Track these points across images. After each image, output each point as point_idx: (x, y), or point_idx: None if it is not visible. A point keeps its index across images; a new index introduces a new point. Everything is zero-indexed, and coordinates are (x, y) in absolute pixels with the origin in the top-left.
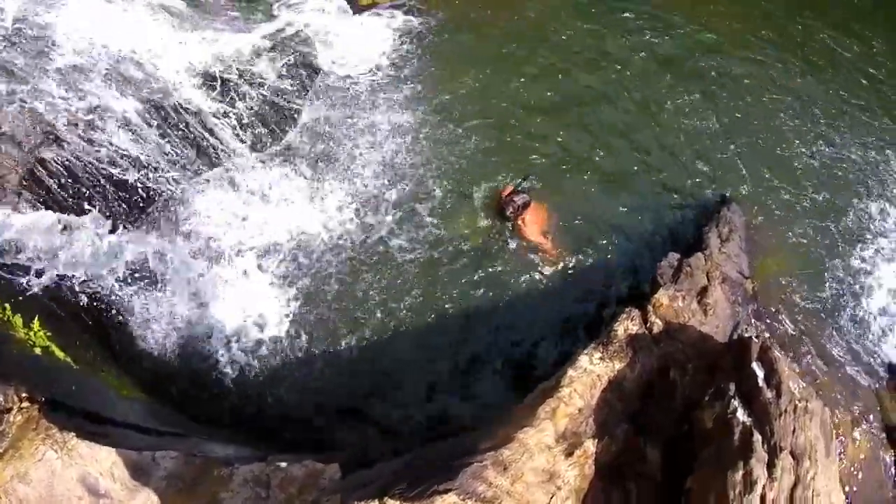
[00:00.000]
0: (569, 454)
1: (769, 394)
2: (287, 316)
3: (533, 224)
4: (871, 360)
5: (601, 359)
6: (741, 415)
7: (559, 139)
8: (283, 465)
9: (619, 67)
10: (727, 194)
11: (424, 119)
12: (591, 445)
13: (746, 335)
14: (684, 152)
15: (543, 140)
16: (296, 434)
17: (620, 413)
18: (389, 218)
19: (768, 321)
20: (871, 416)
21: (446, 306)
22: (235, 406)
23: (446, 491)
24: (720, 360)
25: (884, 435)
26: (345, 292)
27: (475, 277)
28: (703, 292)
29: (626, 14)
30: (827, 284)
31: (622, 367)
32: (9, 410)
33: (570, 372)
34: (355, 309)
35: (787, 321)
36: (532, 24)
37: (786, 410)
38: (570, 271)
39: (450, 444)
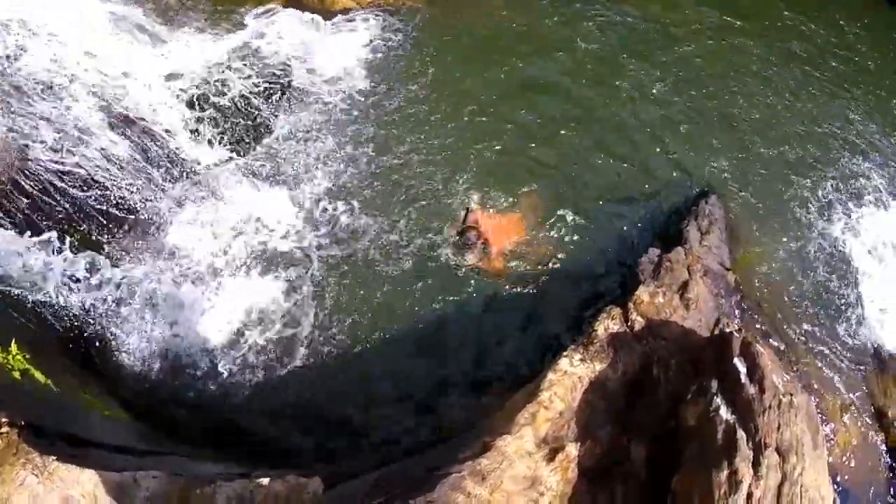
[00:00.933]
0: (550, 459)
1: (752, 389)
2: (265, 329)
3: (499, 248)
4: (856, 345)
5: (582, 360)
6: (724, 412)
7: (532, 141)
8: (265, 481)
9: (590, 60)
10: (706, 188)
11: (398, 124)
12: (573, 449)
13: (727, 329)
14: (659, 145)
15: (516, 140)
16: (277, 449)
17: (604, 414)
18: (364, 228)
19: (751, 312)
20: (860, 402)
21: (424, 313)
22: (217, 423)
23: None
24: (702, 356)
25: (874, 419)
26: (323, 305)
27: (453, 284)
28: (684, 287)
29: (596, 6)
30: (809, 273)
31: (604, 368)
32: None
33: (550, 375)
34: (333, 321)
35: (771, 310)
36: (503, 22)
37: (770, 406)
38: (549, 272)
39: (430, 455)
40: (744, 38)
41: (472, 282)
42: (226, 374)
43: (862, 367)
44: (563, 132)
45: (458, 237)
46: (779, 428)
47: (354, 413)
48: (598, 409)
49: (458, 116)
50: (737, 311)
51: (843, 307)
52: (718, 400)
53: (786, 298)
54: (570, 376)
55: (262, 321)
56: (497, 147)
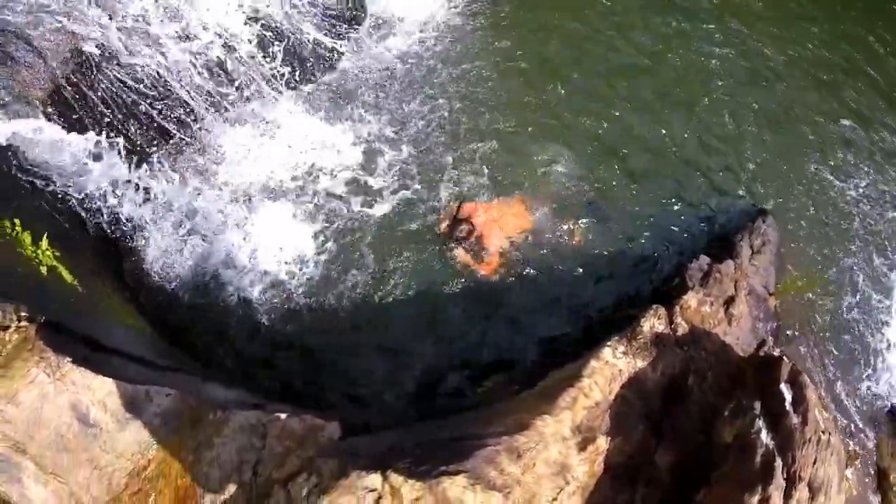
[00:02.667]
0: (582, 448)
1: (795, 419)
2: (299, 262)
3: (495, 246)
4: (875, 397)
5: (624, 353)
6: (765, 436)
7: (598, 128)
8: (283, 416)
9: (672, 64)
10: (764, 206)
11: (463, 87)
12: (604, 442)
13: (776, 353)
14: (724, 155)
15: (580, 124)
16: (292, 386)
17: (638, 412)
18: (406, 184)
19: (783, 341)
20: (866, 456)
21: (452, 283)
22: (237, 348)
23: (457, 472)
24: (741, 375)
25: (874, 478)
26: (351, 253)
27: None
28: (729, 301)
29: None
30: (849, 314)
31: (644, 366)
32: (5, 328)
33: (593, 363)
34: (363, 271)
35: (803, 345)
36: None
37: (809, 440)
38: (593, 261)
39: (452, 423)
40: (839, 72)
41: (516, 255)
42: (251, 303)
43: (876, 422)
44: (628, 119)
45: (447, 231)
46: (814, 463)
47: (371, 366)
48: (633, 407)
49: (523, 87)
50: (770, 338)
51: (871, 356)
52: (760, 423)
53: (818, 335)
54: (612, 367)
55: (293, 256)
56: (557, 125)
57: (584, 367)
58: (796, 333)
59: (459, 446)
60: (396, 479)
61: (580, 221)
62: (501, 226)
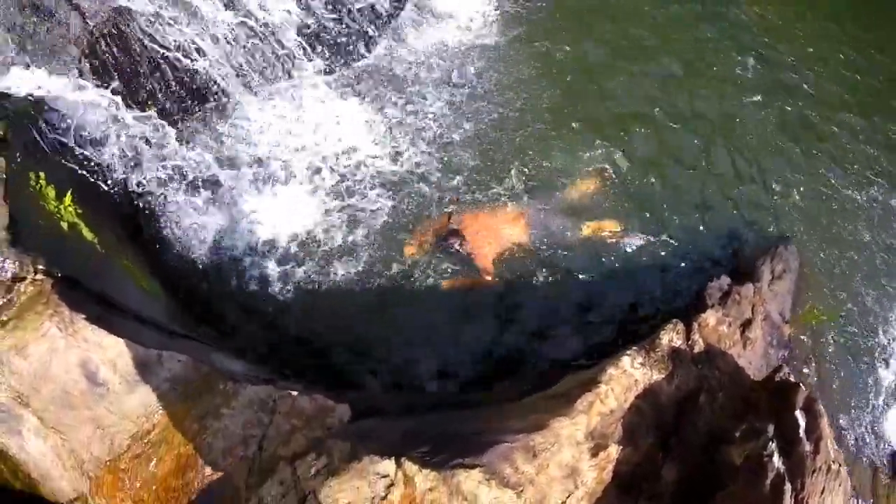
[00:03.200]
0: (594, 455)
1: (808, 447)
2: (321, 238)
3: (483, 246)
4: (879, 443)
5: (642, 364)
6: (777, 461)
7: (629, 137)
8: (293, 394)
9: (710, 76)
10: (787, 231)
11: (508, 80)
12: (614, 450)
13: (791, 379)
14: (753, 174)
15: (611, 132)
16: (305, 362)
17: (649, 424)
18: (432, 172)
19: (793, 370)
20: (864, 493)
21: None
22: (250, 319)
23: (473, 466)
24: (752, 398)
25: None
26: (385, 231)
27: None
28: (746, 324)
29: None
30: (861, 352)
31: (660, 379)
32: (21, 280)
33: (611, 370)
34: (381, 255)
35: (811, 376)
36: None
37: (820, 468)
38: (607, 271)
39: (467, 416)
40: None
41: (540, 253)
42: (266, 276)
43: (876, 466)
44: (660, 130)
45: (436, 242)
46: (822, 492)
47: (387, 351)
48: (645, 418)
49: (557, 92)
50: (781, 361)
51: (880, 394)
52: (773, 446)
53: (828, 367)
54: (629, 376)
55: (308, 234)
56: (581, 130)
57: (602, 374)
58: (806, 363)
59: (476, 440)
60: (411, 467)
61: (599, 230)
62: (494, 238)
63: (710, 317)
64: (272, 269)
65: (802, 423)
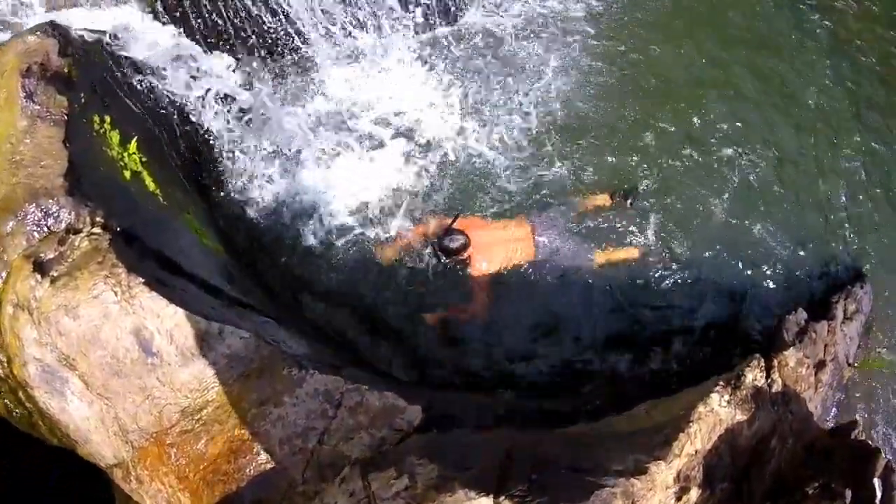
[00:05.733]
0: (678, 498)
1: None
2: (375, 209)
3: (482, 262)
4: None
5: (728, 402)
6: None
7: (703, 149)
8: (363, 388)
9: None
10: (863, 269)
11: (588, 70)
12: (695, 495)
13: (869, 442)
14: (835, 202)
15: (709, 139)
16: (374, 350)
17: (726, 469)
18: (512, 158)
19: (843, 417)
20: None
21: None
22: (315, 292)
23: None
24: (819, 447)
25: None
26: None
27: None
28: (820, 366)
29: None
30: None
31: (742, 420)
32: (77, 232)
33: (701, 407)
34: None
35: (859, 427)
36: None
37: None
38: (667, 282)
39: (557, 440)
40: None
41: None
42: (330, 244)
43: None
44: (737, 144)
45: (439, 240)
46: None
47: (474, 342)
48: (724, 461)
49: (633, 90)
50: (833, 410)
51: None
52: None
53: (881, 418)
54: (715, 415)
55: (369, 202)
56: (648, 137)
57: (693, 411)
58: (859, 411)
59: (578, 481)
60: None
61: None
62: (501, 251)
63: (790, 356)
64: (334, 234)
65: (879, 492)
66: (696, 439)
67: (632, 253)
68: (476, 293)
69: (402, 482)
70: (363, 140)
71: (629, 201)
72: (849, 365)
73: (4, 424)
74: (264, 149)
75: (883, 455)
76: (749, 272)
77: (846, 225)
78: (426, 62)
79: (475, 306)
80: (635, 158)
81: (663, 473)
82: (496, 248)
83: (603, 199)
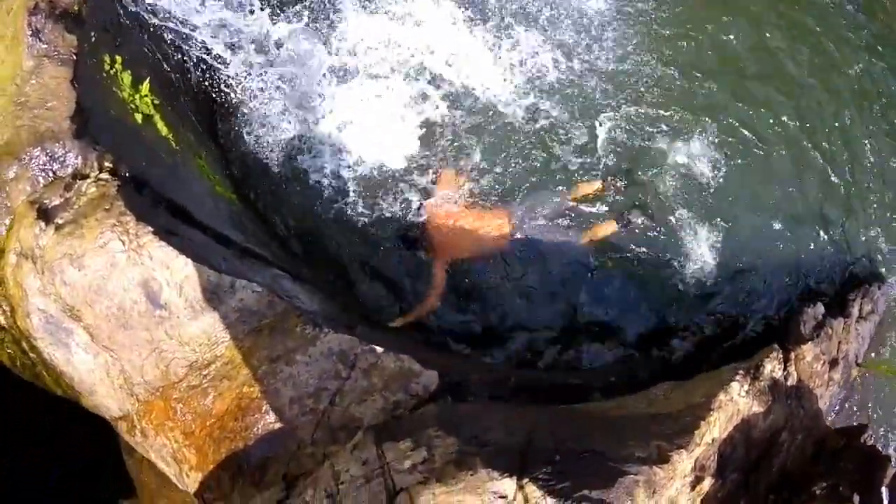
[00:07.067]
0: (693, 487)
1: None
2: (399, 166)
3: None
4: None
5: (747, 392)
6: None
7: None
8: (379, 350)
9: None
10: (883, 270)
11: (647, 45)
12: (707, 484)
13: (879, 449)
14: (869, 200)
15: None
16: (386, 306)
17: (738, 460)
18: (548, 117)
19: (842, 417)
20: None
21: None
22: (329, 245)
23: (600, 502)
24: (828, 446)
25: None
26: (489, 167)
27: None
28: (833, 364)
29: None
30: None
31: (758, 411)
32: (84, 177)
33: (721, 396)
34: (497, 190)
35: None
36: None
37: None
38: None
39: (579, 420)
40: None
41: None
42: (350, 200)
43: None
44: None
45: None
46: None
47: (490, 309)
48: (737, 451)
49: (700, 75)
50: (836, 408)
51: None
52: None
53: (882, 426)
54: (734, 405)
55: (392, 158)
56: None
57: (714, 399)
58: (861, 411)
59: (601, 465)
60: (534, 492)
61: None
62: (469, 238)
63: (808, 351)
64: (351, 188)
65: (885, 500)
66: (715, 428)
67: (611, 227)
68: (434, 284)
69: (419, 454)
70: (385, 90)
71: (622, 223)
72: (857, 365)
73: (4, 424)
74: (283, 97)
75: (893, 463)
76: (763, 260)
77: (871, 220)
78: (462, 13)
79: (431, 300)
80: (663, 138)
81: (684, 462)
82: (465, 236)
83: (593, 187)
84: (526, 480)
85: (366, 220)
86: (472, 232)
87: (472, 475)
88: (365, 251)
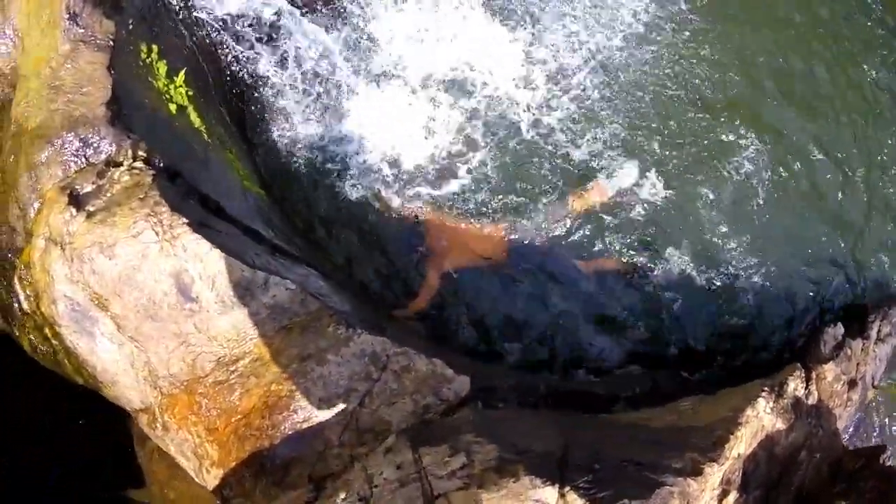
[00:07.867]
0: (719, 502)
1: None
2: (434, 159)
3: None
4: None
5: (772, 409)
6: None
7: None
8: (412, 352)
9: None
10: None
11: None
12: (732, 499)
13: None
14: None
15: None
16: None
17: (760, 476)
18: (576, 125)
19: (857, 439)
20: None
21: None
22: (353, 245)
23: None
24: (845, 467)
25: None
26: (508, 165)
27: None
28: (851, 384)
29: None
30: None
31: (781, 428)
32: (117, 165)
33: (749, 411)
34: (514, 191)
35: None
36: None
37: None
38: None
39: (618, 433)
40: None
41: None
42: (375, 201)
43: None
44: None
45: None
46: None
47: (517, 314)
48: (760, 468)
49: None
50: (850, 429)
51: None
52: None
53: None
54: (759, 421)
55: (412, 155)
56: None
57: (742, 414)
58: (873, 435)
59: (640, 476)
60: (575, 500)
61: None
62: (468, 249)
63: (829, 371)
64: (381, 192)
65: None
66: (742, 443)
67: (599, 192)
68: (426, 286)
69: (458, 460)
70: (413, 92)
71: (630, 274)
72: (873, 387)
73: (4, 424)
74: (312, 96)
75: None
76: (784, 279)
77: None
78: (490, 15)
79: (420, 301)
80: (678, 153)
81: (715, 475)
82: (460, 250)
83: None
84: (567, 489)
85: (378, 219)
86: (471, 242)
87: (514, 482)
88: (373, 251)
